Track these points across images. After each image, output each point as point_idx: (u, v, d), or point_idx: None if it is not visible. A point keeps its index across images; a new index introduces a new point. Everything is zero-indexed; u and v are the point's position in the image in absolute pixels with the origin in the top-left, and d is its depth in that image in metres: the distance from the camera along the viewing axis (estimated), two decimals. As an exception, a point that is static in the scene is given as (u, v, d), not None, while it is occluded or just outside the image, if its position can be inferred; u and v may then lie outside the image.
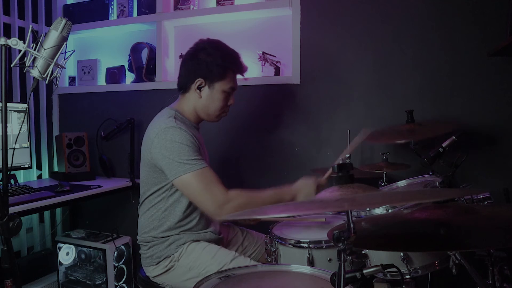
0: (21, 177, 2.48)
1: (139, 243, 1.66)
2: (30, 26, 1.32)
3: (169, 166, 1.48)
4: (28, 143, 2.29)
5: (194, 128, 1.66)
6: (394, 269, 0.91)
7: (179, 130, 1.49)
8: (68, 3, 2.72)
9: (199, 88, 1.61)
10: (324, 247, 1.39)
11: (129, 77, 2.60)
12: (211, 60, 1.59)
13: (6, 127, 1.17)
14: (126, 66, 2.57)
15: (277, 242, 1.47)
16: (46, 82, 1.22)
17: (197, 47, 1.64)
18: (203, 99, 1.62)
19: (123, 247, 2.39)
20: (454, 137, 1.41)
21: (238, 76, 1.70)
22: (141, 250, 1.66)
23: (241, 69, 1.68)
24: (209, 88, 1.62)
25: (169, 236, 1.59)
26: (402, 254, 1.18)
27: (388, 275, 1.18)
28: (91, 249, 2.38)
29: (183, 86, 1.65)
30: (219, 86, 1.62)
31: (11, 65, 1.20)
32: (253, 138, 2.32)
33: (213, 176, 1.49)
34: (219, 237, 1.74)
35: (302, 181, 1.58)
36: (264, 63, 2.21)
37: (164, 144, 1.48)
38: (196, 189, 1.47)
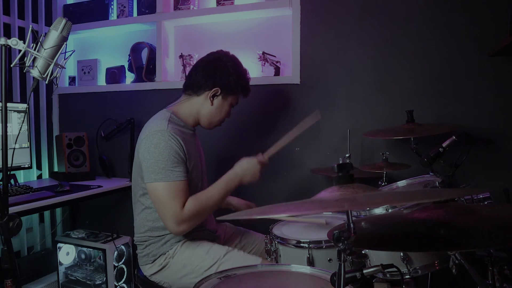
0: (21, 177, 2.48)
1: (136, 243, 1.67)
2: (30, 26, 1.32)
3: (146, 169, 1.49)
4: (28, 143, 2.29)
5: (189, 131, 1.67)
6: (394, 269, 0.91)
7: (168, 136, 1.50)
8: (68, 3, 2.72)
9: (213, 96, 1.63)
10: (324, 247, 1.39)
11: (129, 77, 2.60)
12: (232, 73, 1.63)
13: (6, 127, 1.17)
14: (126, 66, 2.57)
15: (277, 242, 1.47)
16: (46, 82, 1.22)
17: (219, 57, 1.66)
18: (214, 107, 1.65)
19: (123, 247, 2.39)
20: (454, 137, 1.40)
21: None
22: (137, 249, 1.67)
23: (249, 91, 1.74)
24: (222, 99, 1.65)
25: (164, 235, 1.60)
26: (402, 254, 1.18)
27: (388, 275, 1.18)
28: (91, 249, 2.38)
29: (195, 89, 1.65)
30: (230, 100, 1.68)
31: (11, 65, 1.20)
32: (253, 138, 2.32)
33: (181, 191, 1.48)
34: (215, 235, 1.75)
35: (244, 161, 1.60)
36: (264, 63, 2.22)
37: (149, 148, 1.49)
38: (161, 200, 1.48)
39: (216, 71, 1.62)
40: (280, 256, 1.47)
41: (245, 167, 1.59)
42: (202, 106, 1.65)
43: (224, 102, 1.66)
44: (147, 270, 1.61)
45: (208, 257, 1.54)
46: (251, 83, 2.21)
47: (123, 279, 2.39)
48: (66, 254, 2.46)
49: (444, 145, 1.41)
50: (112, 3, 2.56)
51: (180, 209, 1.46)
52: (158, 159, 1.47)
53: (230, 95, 1.66)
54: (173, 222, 1.46)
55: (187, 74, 1.73)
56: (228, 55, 1.69)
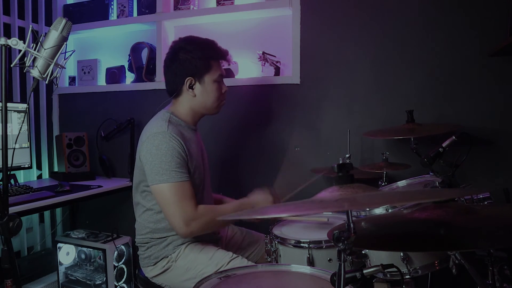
0: (21, 177, 2.48)
1: (137, 245, 1.67)
2: (30, 26, 1.32)
3: (150, 171, 1.49)
4: (28, 143, 2.29)
5: (190, 130, 1.66)
6: (394, 269, 0.91)
7: (169, 138, 1.49)
8: (68, 3, 2.72)
9: (191, 87, 1.61)
10: (324, 247, 1.39)
11: (129, 77, 2.60)
12: (192, 56, 1.59)
13: (6, 127, 1.17)
14: (126, 66, 2.57)
15: (277, 242, 1.47)
16: (46, 82, 1.22)
17: (174, 49, 1.64)
18: (198, 96, 1.62)
19: (123, 247, 2.39)
20: (454, 137, 1.40)
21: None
22: (139, 251, 1.66)
23: (222, 54, 1.67)
24: (200, 84, 1.61)
25: (166, 236, 1.59)
26: (402, 254, 1.18)
27: (388, 275, 1.18)
28: (91, 249, 2.38)
29: (174, 90, 1.64)
30: (208, 78, 1.61)
31: (11, 65, 1.20)
32: (253, 138, 2.32)
33: (188, 191, 1.48)
34: (218, 236, 1.74)
35: (261, 194, 1.62)
36: (264, 63, 2.21)
37: (150, 150, 1.49)
38: (168, 201, 1.47)
39: (177, 65, 1.60)
40: (280, 256, 1.47)
41: (260, 201, 1.61)
42: (190, 101, 1.63)
43: (203, 85, 1.61)
44: (149, 272, 1.61)
45: (211, 263, 1.53)
46: (250, 83, 2.24)
47: (123, 279, 2.39)
48: (66, 254, 2.46)
49: (444, 145, 1.41)
50: (112, 3, 2.56)
51: (191, 209, 1.46)
52: (162, 160, 1.46)
53: (204, 75, 1.60)
54: (183, 222, 1.44)
55: None
56: (180, 41, 1.64)
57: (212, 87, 1.62)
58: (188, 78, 1.60)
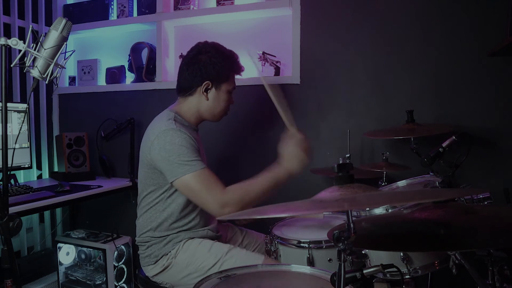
0: (21, 177, 2.48)
1: (138, 244, 1.67)
2: (30, 26, 1.32)
3: (169, 167, 1.49)
4: (28, 143, 2.29)
5: (193, 130, 1.67)
6: (394, 269, 0.91)
7: (179, 132, 1.50)
8: (68, 3, 2.72)
9: (206, 90, 1.63)
10: (324, 247, 1.39)
11: (129, 77, 2.60)
12: (216, 62, 1.61)
13: (6, 127, 1.17)
14: (126, 66, 2.57)
15: (277, 242, 1.47)
16: (46, 82, 1.22)
17: (199, 50, 1.65)
18: (210, 101, 1.64)
19: (123, 247, 2.39)
20: (454, 137, 1.41)
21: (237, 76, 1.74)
22: (139, 250, 1.67)
23: (241, 69, 1.73)
24: (215, 90, 1.64)
25: (166, 235, 1.60)
26: (402, 254, 1.18)
27: (388, 275, 1.18)
28: (91, 249, 2.38)
29: (187, 89, 1.65)
30: (225, 87, 1.65)
31: (11, 65, 1.20)
32: (253, 138, 2.32)
33: (212, 176, 1.50)
34: (217, 235, 1.75)
35: (285, 151, 1.54)
36: (264, 63, 2.21)
37: (164, 146, 1.49)
38: (196, 190, 1.47)
39: (199, 66, 1.62)
40: (280, 256, 1.47)
41: (290, 157, 1.53)
42: (199, 103, 1.65)
43: (219, 92, 1.65)
44: (150, 271, 1.61)
45: (210, 255, 1.54)
46: (250, 82, 2.23)
47: (123, 279, 2.39)
48: (66, 254, 2.46)
49: (444, 145, 1.41)
50: (112, 3, 2.56)
51: (221, 191, 1.46)
52: (179, 153, 1.47)
53: (222, 83, 1.64)
54: (217, 205, 1.44)
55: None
56: (207, 45, 1.67)
57: (225, 96, 1.67)
58: (207, 81, 1.62)
